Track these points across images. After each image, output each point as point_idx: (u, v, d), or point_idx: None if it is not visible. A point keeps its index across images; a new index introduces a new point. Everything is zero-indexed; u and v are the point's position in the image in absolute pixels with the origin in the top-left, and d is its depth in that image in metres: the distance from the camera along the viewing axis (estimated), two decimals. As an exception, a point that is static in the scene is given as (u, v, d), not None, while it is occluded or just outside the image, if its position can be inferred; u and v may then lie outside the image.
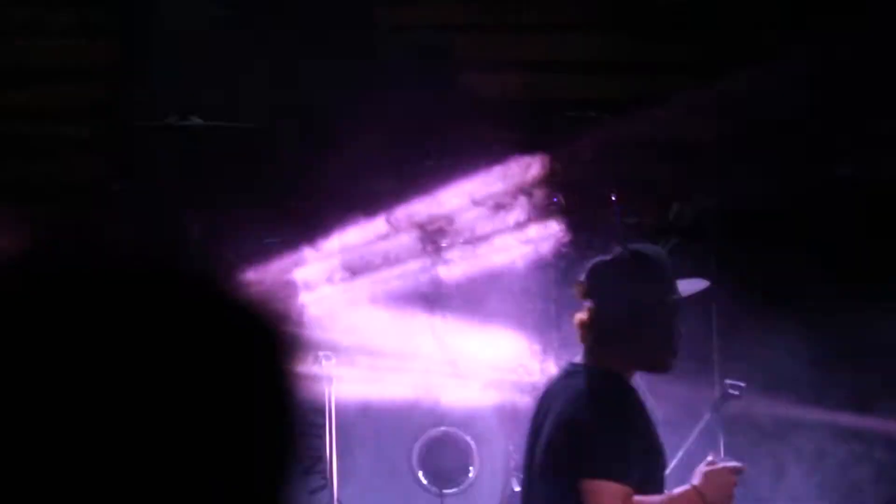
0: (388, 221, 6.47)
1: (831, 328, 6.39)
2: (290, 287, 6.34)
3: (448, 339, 6.31)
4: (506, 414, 6.29)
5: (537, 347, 6.32)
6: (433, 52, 6.99)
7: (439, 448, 6.35)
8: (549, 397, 4.17)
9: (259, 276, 6.37)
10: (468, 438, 6.34)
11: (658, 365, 4.19)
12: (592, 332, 4.09)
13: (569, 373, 4.17)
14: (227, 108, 6.74)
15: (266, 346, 1.20)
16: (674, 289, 4.14)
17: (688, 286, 4.24)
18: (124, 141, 6.82)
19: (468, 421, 6.33)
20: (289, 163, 6.75)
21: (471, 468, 6.35)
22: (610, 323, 4.07)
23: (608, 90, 6.98)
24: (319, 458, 6.02)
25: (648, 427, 4.10)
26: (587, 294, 4.12)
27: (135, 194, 6.44)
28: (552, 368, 6.29)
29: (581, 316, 4.12)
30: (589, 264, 4.17)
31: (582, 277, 4.16)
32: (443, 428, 6.35)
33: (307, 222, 6.45)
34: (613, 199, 6.13)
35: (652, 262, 4.14)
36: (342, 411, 6.02)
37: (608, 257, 4.14)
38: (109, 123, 6.94)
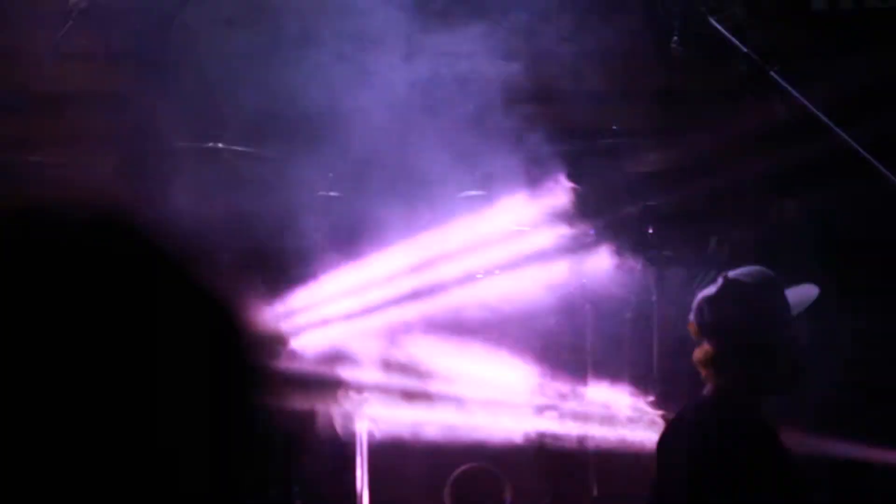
0: (419, 251, 6.38)
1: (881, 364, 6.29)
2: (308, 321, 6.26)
3: (480, 372, 6.22)
4: (540, 449, 6.21)
5: (571, 381, 6.23)
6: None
7: (472, 484, 6.26)
8: (680, 432, 4.10)
9: (280, 310, 6.28)
10: (501, 474, 6.24)
11: (790, 386, 4.14)
12: (717, 369, 4.04)
13: (700, 407, 4.09)
14: (253, 132, 6.67)
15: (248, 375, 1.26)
16: (787, 306, 4.06)
17: (797, 296, 4.15)
18: (152, 167, 6.74)
19: (501, 456, 6.23)
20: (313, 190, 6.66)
21: (503, 504, 6.26)
22: (734, 357, 4.02)
23: (644, 119, 6.88)
24: (351, 493, 5.94)
25: (788, 457, 4.05)
26: (702, 333, 4.06)
27: (163, 220, 6.34)
28: (586, 402, 6.21)
29: (700, 355, 4.07)
30: (695, 302, 4.10)
31: (692, 316, 4.10)
32: (475, 463, 6.25)
33: (334, 253, 6.36)
34: (650, 231, 6.05)
35: (757, 288, 4.06)
36: (373, 446, 5.95)
37: (712, 292, 4.06)
38: (135, 148, 6.86)
